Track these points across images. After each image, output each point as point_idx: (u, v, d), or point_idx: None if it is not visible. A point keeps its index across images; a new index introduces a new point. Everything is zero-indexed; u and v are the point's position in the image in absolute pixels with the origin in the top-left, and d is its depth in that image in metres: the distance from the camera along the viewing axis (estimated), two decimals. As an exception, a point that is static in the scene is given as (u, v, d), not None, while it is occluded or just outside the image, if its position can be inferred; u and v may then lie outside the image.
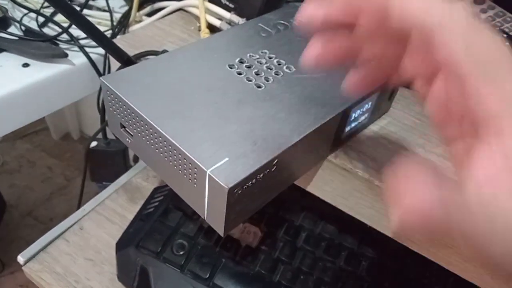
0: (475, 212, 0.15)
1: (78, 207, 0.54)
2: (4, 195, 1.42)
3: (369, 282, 0.43)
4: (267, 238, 0.45)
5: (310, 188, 0.36)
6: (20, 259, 0.46)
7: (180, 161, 0.26)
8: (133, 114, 0.29)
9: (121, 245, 0.45)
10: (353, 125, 0.34)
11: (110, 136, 0.57)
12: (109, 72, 0.57)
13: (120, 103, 0.29)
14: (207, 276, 0.41)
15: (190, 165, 0.26)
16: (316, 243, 0.45)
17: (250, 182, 0.25)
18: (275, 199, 0.30)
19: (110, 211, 0.53)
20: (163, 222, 0.45)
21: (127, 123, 0.30)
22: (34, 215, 1.46)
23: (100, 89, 0.59)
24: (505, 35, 0.41)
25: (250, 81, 0.31)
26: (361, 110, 0.33)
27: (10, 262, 1.26)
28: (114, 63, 0.46)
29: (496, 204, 0.15)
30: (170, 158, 0.27)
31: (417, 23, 0.18)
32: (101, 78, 0.30)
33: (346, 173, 0.34)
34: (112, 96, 0.30)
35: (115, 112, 0.31)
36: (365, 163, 0.34)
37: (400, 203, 0.17)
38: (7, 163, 1.60)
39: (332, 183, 0.35)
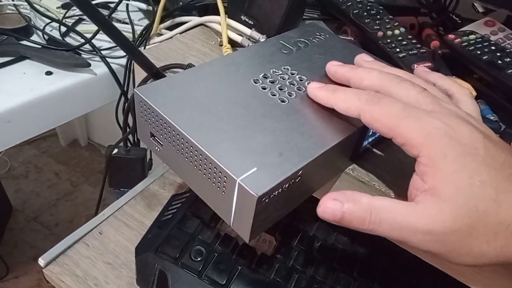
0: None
1: (96, 212, 0.55)
2: (10, 199, 1.44)
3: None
4: (282, 247, 0.46)
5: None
6: (41, 261, 0.47)
7: (209, 170, 0.28)
8: (165, 124, 0.30)
9: (140, 250, 0.46)
10: (370, 139, 0.35)
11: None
12: (129, 82, 0.59)
13: (153, 113, 0.31)
14: (224, 282, 0.42)
15: (220, 173, 0.27)
16: (329, 253, 0.46)
17: (277, 192, 0.27)
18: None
19: (128, 217, 0.54)
20: (181, 228, 0.47)
21: (157, 132, 0.32)
22: (39, 220, 1.47)
23: (119, 99, 0.61)
24: (516, 57, 0.43)
25: (274, 95, 0.33)
26: (379, 125, 0.34)
27: (14, 266, 1.27)
28: (138, 74, 0.47)
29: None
30: (200, 166, 0.29)
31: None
32: (135, 89, 0.32)
33: (363, 185, 0.35)
34: (144, 106, 0.31)
35: (146, 122, 0.32)
36: (381, 176, 0.35)
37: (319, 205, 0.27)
38: (14, 168, 1.62)
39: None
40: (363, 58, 0.35)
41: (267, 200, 0.26)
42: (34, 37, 0.60)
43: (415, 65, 0.43)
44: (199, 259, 0.44)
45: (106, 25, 0.35)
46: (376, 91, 0.30)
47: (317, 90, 0.32)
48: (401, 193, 0.33)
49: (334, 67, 0.34)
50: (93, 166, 1.68)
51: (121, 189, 0.57)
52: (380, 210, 0.26)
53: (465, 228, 0.24)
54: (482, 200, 0.24)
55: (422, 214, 0.25)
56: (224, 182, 0.27)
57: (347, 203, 0.26)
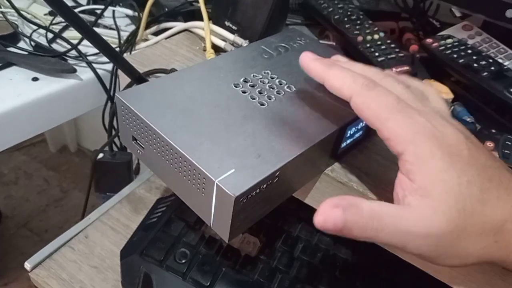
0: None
1: (82, 216, 0.56)
2: (0, 206, 1.42)
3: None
4: (266, 248, 0.47)
5: (308, 200, 0.39)
6: (27, 265, 0.48)
7: (189, 172, 0.29)
8: (146, 128, 0.31)
9: (125, 253, 0.46)
10: (348, 141, 0.36)
11: (114, 149, 0.59)
12: (115, 87, 0.60)
13: (134, 117, 0.31)
14: (208, 283, 0.43)
15: (199, 175, 0.28)
16: (312, 254, 0.47)
17: (255, 192, 0.28)
18: (273, 211, 0.32)
19: (114, 221, 0.55)
20: (166, 231, 0.47)
21: (139, 136, 0.32)
22: (29, 227, 1.46)
23: (106, 104, 0.62)
24: (491, 60, 0.44)
25: (254, 99, 0.34)
26: (356, 127, 0.35)
27: (4, 272, 1.26)
28: (122, 79, 0.48)
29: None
30: (180, 168, 0.29)
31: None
32: (116, 94, 0.32)
33: (342, 186, 0.36)
34: (126, 110, 0.32)
35: (128, 126, 0.33)
36: (359, 177, 0.36)
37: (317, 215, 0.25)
38: (3, 175, 1.61)
39: (328, 196, 0.37)
40: (338, 59, 0.34)
41: (245, 201, 0.27)
42: (21, 44, 0.61)
43: (394, 69, 0.44)
44: (183, 261, 0.44)
45: (88, 32, 0.36)
46: None
47: (311, 62, 0.30)
48: (380, 193, 0.34)
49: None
50: (83, 171, 1.67)
51: (107, 193, 0.57)
52: (382, 216, 0.25)
53: (455, 230, 0.24)
54: (469, 201, 0.24)
55: (419, 218, 0.24)
56: (203, 183, 0.28)
57: (348, 210, 0.25)
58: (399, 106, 0.26)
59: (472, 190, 0.24)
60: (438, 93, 0.33)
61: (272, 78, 0.36)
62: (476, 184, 0.24)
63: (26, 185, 1.60)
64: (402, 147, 0.26)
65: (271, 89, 0.35)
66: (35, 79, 0.55)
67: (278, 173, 0.29)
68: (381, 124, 0.26)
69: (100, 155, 0.52)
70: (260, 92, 0.34)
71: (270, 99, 0.34)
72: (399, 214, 0.25)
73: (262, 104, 0.33)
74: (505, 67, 0.44)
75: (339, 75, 0.29)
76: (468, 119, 0.43)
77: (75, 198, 1.57)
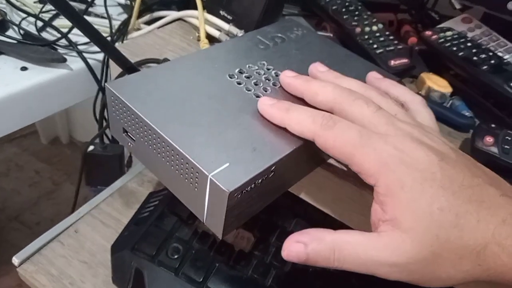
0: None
1: (72, 210, 0.54)
2: (-10, 198, 1.41)
3: (359, 287, 0.44)
4: (260, 243, 0.46)
5: (304, 195, 0.38)
6: (15, 260, 0.46)
7: (181, 165, 0.27)
8: (136, 120, 0.30)
9: (116, 248, 0.45)
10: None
11: (105, 141, 0.58)
12: (106, 78, 0.58)
13: (124, 108, 0.30)
14: (201, 279, 0.42)
15: (192, 169, 0.27)
16: (307, 249, 0.46)
17: (249, 187, 0.27)
18: (268, 206, 0.31)
19: (105, 215, 0.53)
20: (158, 226, 0.46)
21: (130, 128, 0.31)
22: (20, 219, 1.45)
23: (97, 95, 0.60)
24: (491, 53, 0.43)
25: (249, 90, 0.33)
26: (354, 121, 0.34)
27: (-5, 266, 1.24)
28: (114, 69, 0.47)
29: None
30: (172, 162, 0.28)
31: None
32: (106, 84, 0.31)
33: (339, 181, 0.35)
34: (116, 101, 0.31)
35: (118, 117, 0.32)
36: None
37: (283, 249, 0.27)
38: (-6, 167, 1.59)
39: (324, 190, 0.36)
40: (317, 68, 0.34)
41: (239, 196, 0.26)
42: (10, 32, 0.59)
43: (392, 61, 0.43)
44: (176, 256, 0.43)
45: (78, 20, 0.34)
46: (330, 108, 0.29)
47: (269, 108, 0.30)
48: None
49: (288, 79, 0.32)
50: (75, 164, 1.65)
51: (98, 186, 0.56)
52: (343, 247, 0.26)
53: (430, 256, 0.24)
54: (443, 228, 0.24)
55: (385, 246, 0.25)
56: (196, 178, 0.27)
57: (311, 244, 0.26)
58: (362, 140, 0.26)
59: (446, 217, 0.24)
60: (421, 101, 0.32)
61: (268, 69, 0.35)
62: (451, 209, 0.24)
63: (17, 177, 1.58)
64: (373, 180, 0.26)
65: (267, 80, 0.34)
66: (23, 68, 0.54)
67: (273, 167, 0.28)
68: (349, 160, 0.27)
69: (91, 148, 0.50)
70: (255, 84, 0.33)
71: (266, 91, 0.33)
72: (366, 242, 0.26)
73: (258, 96, 0.32)
74: (505, 61, 0.43)
75: (297, 118, 0.29)
76: (467, 114, 0.42)
77: (67, 191, 1.56)
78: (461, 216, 0.24)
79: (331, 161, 0.36)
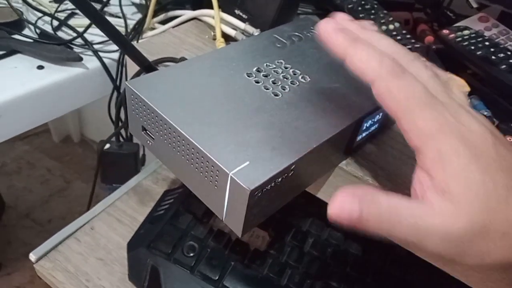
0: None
1: (88, 208, 0.55)
2: (2, 196, 1.42)
3: (375, 287, 0.44)
4: (275, 242, 0.46)
5: (320, 194, 0.38)
6: (32, 256, 0.47)
7: (202, 164, 0.28)
8: (156, 118, 0.30)
9: (132, 246, 0.46)
10: (364, 134, 0.35)
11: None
12: (121, 77, 0.59)
13: (144, 106, 0.30)
14: (217, 278, 0.42)
15: (212, 167, 0.27)
16: (322, 249, 0.46)
17: (269, 186, 0.27)
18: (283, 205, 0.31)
19: (120, 213, 0.54)
20: (173, 224, 0.46)
21: (149, 126, 0.31)
22: (32, 217, 1.46)
23: (112, 93, 0.61)
24: (509, 53, 0.43)
25: (268, 89, 0.33)
26: (373, 120, 0.34)
27: (7, 262, 1.26)
28: (130, 68, 0.47)
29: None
30: (192, 160, 0.28)
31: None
32: (126, 82, 0.31)
33: (356, 180, 0.35)
34: (136, 100, 0.31)
35: (137, 116, 0.32)
36: (374, 171, 0.35)
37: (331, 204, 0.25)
38: (6, 164, 1.60)
39: (341, 190, 0.36)
40: (365, 27, 0.29)
41: (259, 194, 0.26)
42: (26, 31, 0.60)
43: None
44: (191, 254, 0.44)
45: (98, 19, 0.35)
46: None
47: (333, 34, 0.27)
48: (395, 189, 0.33)
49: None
50: (86, 162, 1.67)
51: (113, 184, 0.57)
52: (400, 210, 0.24)
53: (478, 228, 0.23)
54: (493, 199, 0.23)
55: (438, 215, 0.23)
56: (217, 176, 0.27)
57: (365, 201, 0.24)
58: (426, 98, 0.25)
59: (497, 189, 0.23)
60: (459, 86, 0.32)
61: (285, 68, 0.35)
62: (502, 183, 0.23)
63: (29, 175, 1.60)
64: (423, 142, 0.24)
65: (285, 79, 0.34)
66: (40, 67, 0.55)
67: (293, 166, 0.28)
68: (404, 115, 0.25)
69: (107, 146, 0.51)
70: (274, 82, 0.33)
71: (284, 90, 0.33)
72: (418, 210, 0.24)
73: (276, 95, 0.32)
74: (524, 60, 0.42)
75: (364, 53, 0.26)
76: (485, 113, 0.42)
77: (78, 189, 1.57)
78: (510, 191, 0.23)
79: (348, 160, 0.35)
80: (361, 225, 0.24)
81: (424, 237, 0.24)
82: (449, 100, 0.26)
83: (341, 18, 0.29)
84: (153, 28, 0.57)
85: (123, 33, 0.59)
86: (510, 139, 0.35)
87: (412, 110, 0.24)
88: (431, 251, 0.24)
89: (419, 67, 0.26)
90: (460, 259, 0.24)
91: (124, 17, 0.62)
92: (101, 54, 0.58)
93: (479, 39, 0.45)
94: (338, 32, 0.26)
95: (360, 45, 0.26)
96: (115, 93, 0.60)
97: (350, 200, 0.24)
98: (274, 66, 0.35)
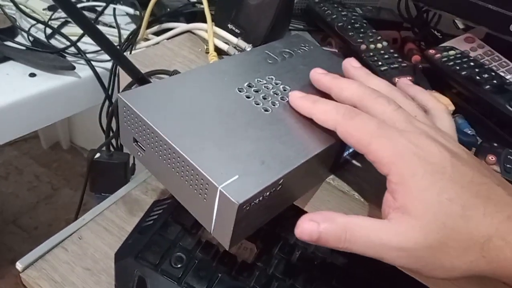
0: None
1: (76, 216, 0.55)
2: (-11, 201, 1.41)
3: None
4: (263, 254, 0.46)
5: (308, 208, 0.38)
6: (19, 265, 0.47)
7: (191, 177, 0.28)
8: (148, 130, 0.30)
9: (120, 256, 0.46)
10: (351, 150, 0.36)
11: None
12: (114, 86, 0.59)
13: (136, 119, 0.31)
14: (204, 289, 0.42)
15: (202, 180, 0.27)
16: (309, 262, 0.46)
17: (258, 200, 0.27)
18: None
19: (109, 222, 0.54)
20: (162, 235, 0.46)
21: (140, 138, 0.32)
22: (18, 223, 1.44)
23: (103, 103, 0.61)
24: (493, 73, 0.44)
25: (258, 104, 0.33)
26: (360, 136, 0.35)
27: (-9, 268, 1.24)
28: (123, 79, 0.47)
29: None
30: (182, 173, 0.29)
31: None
32: (119, 94, 0.32)
33: (343, 195, 0.36)
34: (128, 111, 0.31)
35: (129, 127, 0.32)
36: (360, 186, 0.36)
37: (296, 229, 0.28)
38: (-6, 170, 1.59)
39: (328, 204, 0.37)
40: (351, 63, 0.36)
41: (248, 208, 0.27)
42: (19, 38, 0.60)
43: (396, 79, 0.44)
44: (179, 265, 0.44)
45: (91, 29, 0.35)
46: (354, 104, 0.31)
47: (298, 100, 0.33)
48: (380, 203, 0.34)
49: (317, 75, 0.35)
50: (74, 169, 1.66)
51: (102, 193, 0.57)
52: (354, 228, 0.27)
53: (436, 244, 0.25)
54: (450, 217, 0.25)
55: (394, 231, 0.26)
56: (206, 189, 0.27)
57: (323, 223, 0.27)
58: (379, 130, 0.28)
59: (453, 207, 0.25)
60: (444, 109, 0.33)
61: (276, 83, 0.36)
62: (459, 201, 0.25)
63: (16, 180, 1.58)
64: (386, 169, 0.27)
65: (275, 95, 0.35)
66: (32, 75, 0.55)
67: (282, 180, 0.28)
68: (365, 149, 0.28)
69: (97, 155, 0.51)
70: (264, 98, 0.34)
71: (274, 105, 0.34)
72: (377, 227, 0.27)
73: (266, 110, 0.33)
74: (507, 81, 0.44)
75: (323, 108, 0.31)
76: (469, 132, 0.43)
77: (66, 196, 1.56)
78: (468, 208, 0.25)
79: (335, 175, 0.36)
80: (323, 243, 0.27)
81: (381, 252, 0.26)
82: (411, 127, 0.29)
83: (315, 72, 0.35)
84: (146, 39, 0.58)
85: (117, 43, 0.60)
86: (492, 158, 0.36)
87: (370, 143, 0.28)
88: (393, 263, 0.27)
89: (382, 103, 0.30)
90: (427, 273, 0.27)
91: (118, 27, 0.63)
92: (94, 63, 0.58)
93: (464, 60, 0.46)
94: (302, 99, 0.33)
95: (319, 104, 0.31)
96: (107, 102, 0.60)
97: (309, 224, 0.27)
98: (265, 81, 0.36)
